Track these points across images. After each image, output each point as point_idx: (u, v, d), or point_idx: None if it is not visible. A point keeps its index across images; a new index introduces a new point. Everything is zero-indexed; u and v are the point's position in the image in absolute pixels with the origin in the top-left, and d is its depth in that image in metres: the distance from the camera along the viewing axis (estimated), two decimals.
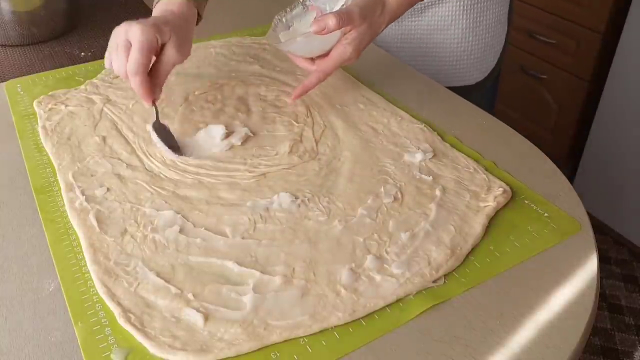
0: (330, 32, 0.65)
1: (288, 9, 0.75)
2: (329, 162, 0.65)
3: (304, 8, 0.76)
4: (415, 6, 0.89)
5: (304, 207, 0.58)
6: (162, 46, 0.65)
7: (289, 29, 0.75)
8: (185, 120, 0.72)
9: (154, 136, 0.67)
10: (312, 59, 0.72)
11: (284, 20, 0.75)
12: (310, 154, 0.66)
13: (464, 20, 0.92)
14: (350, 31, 0.68)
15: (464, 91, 0.84)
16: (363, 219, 0.56)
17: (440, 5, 0.91)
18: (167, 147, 0.65)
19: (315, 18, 0.67)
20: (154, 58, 0.65)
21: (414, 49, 0.94)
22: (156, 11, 0.71)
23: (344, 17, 0.65)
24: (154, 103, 0.66)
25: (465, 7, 0.90)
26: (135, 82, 0.62)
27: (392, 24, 0.94)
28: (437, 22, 0.93)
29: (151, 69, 0.65)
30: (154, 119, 0.68)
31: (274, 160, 0.65)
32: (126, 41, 0.62)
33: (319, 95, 0.78)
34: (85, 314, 0.47)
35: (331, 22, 0.64)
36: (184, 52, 0.67)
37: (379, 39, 0.95)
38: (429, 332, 0.46)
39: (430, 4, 0.90)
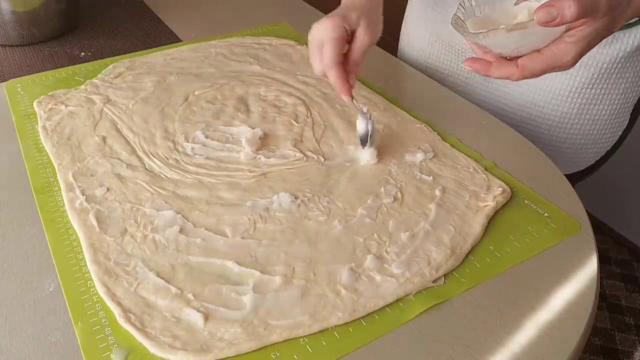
0: (564, 23, 0.48)
1: None
2: (331, 163, 0.65)
3: None
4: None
5: (304, 207, 0.58)
6: (353, 32, 0.64)
7: (475, 15, 0.57)
8: (185, 120, 0.72)
9: (360, 126, 0.65)
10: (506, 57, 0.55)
11: (468, 2, 0.57)
12: (315, 153, 0.66)
13: (569, 104, 0.75)
14: (581, 26, 0.50)
15: None
16: (363, 219, 0.56)
17: (541, 80, 0.73)
18: (361, 142, 0.65)
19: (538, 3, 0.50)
20: (346, 47, 0.64)
21: (501, 116, 0.79)
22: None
23: (588, 5, 0.47)
24: (352, 97, 0.64)
25: (575, 88, 0.73)
26: (331, 77, 0.63)
27: (482, 79, 0.81)
28: (535, 95, 0.77)
29: (346, 58, 0.64)
30: (360, 108, 0.65)
31: (275, 160, 0.65)
32: (319, 40, 0.63)
33: (319, 95, 0.78)
34: (85, 314, 0.47)
35: (570, 10, 0.46)
36: (375, 32, 0.65)
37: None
38: (429, 332, 0.46)
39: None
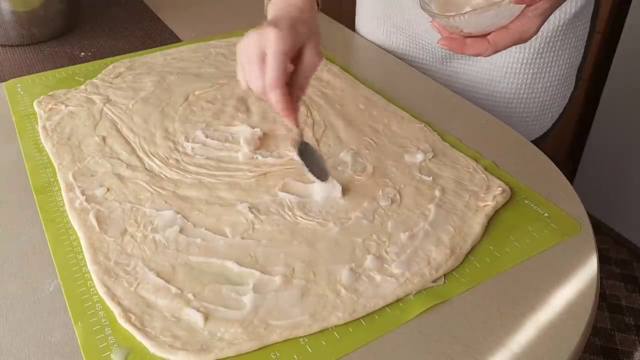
0: (538, 1, 0.52)
1: None
2: (331, 163, 0.65)
3: None
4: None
5: (298, 209, 0.58)
6: (300, 49, 0.55)
7: None
8: (185, 120, 0.72)
9: (297, 158, 0.60)
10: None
11: None
12: None
13: (522, 75, 0.80)
14: (542, 0, 0.54)
15: None
16: (359, 221, 0.56)
17: (497, 55, 0.78)
18: (312, 174, 0.58)
19: None
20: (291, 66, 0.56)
21: (462, 95, 0.84)
22: (276, 7, 0.61)
23: None
24: (296, 121, 0.57)
25: (525, 60, 0.79)
26: (274, 97, 0.53)
27: (438, 63, 0.86)
28: (490, 73, 0.82)
29: (290, 78, 0.56)
30: (299, 139, 0.60)
31: (277, 160, 0.65)
32: (260, 52, 0.53)
33: (319, 95, 0.78)
34: (85, 314, 0.47)
35: None
36: (321, 51, 0.57)
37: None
38: (429, 332, 0.46)
39: None
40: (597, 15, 0.84)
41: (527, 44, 0.78)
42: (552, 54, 0.81)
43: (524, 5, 0.53)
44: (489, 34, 0.56)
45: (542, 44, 0.80)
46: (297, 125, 0.57)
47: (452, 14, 0.55)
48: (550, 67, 0.81)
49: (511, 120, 0.83)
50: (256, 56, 0.54)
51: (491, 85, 0.83)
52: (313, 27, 0.57)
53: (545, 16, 0.55)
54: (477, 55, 0.56)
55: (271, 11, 0.61)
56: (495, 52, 0.56)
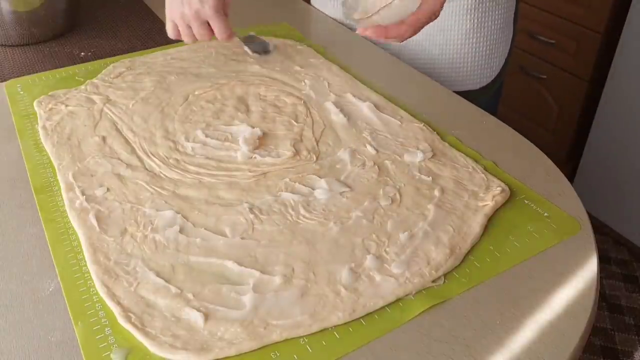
0: None
1: None
2: (329, 162, 0.65)
3: None
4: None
5: (300, 208, 0.58)
6: None
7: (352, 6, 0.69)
8: (185, 120, 0.72)
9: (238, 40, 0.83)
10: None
11: None
12: (313, 152, 0.66)
13: (467, 23, 0.89)
14: None
15: (466, 96, 0.83)
16: (359, 221, 0.56)
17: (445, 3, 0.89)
18: (250, 50, 0.81)
19: None
20: None
21: (415, 51, 0.93)
22: None
23: None
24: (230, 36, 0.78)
25: (468, 9, 0.88)
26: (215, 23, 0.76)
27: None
28: (439, 23, 0.90)
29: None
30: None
31: (275, 159, 0.65)
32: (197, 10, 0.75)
33: (319, 94, 0.78)
34: (85, 313, 0.47)
35: None
36: None
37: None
38: (429, 332, 0.46)
39: None
40: None
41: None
42: (489, 4, 0.90)
43: None
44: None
45: None
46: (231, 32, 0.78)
47: (370, 14, 0.64)
48: (492, 11, 0.90)
49: (464, 66, 0.93)
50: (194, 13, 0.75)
51: (441, 35, 0.91)
52: None
53: None
54: (398, 37, 0.65)
55: None
56: (415, 33, 0.65)
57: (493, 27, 0.92)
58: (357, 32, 0.66)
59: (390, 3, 0.63)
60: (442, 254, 0.52)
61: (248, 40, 0.86)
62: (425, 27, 0.90)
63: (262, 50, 0.84)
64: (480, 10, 0.89)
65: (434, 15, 0.65)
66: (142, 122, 0.72)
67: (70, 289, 0.50)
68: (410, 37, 0.65)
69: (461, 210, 0.58)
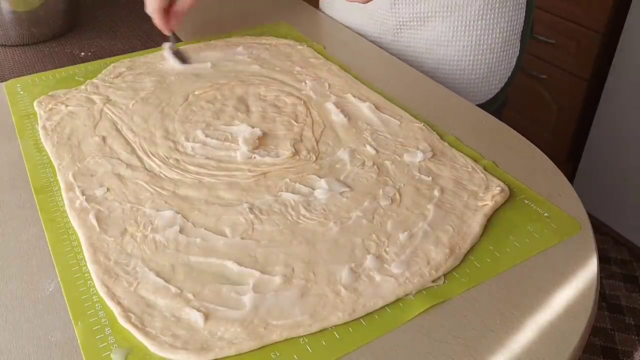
0: None
1: None
2: (329, 162, 0.65)
3: None
4: (415, 18, 0.89)
5: (300, 208, 0.58)
6: None
7: None
8: (185, 120, 0.72)
9: (166, 53, 0.87)
10: None
11: None
12: (313, 152, 0.66)
13: (465, 38, 0.88)
14: None
15: None
16: (359, 221, 0.56)
17: (441, 19, 0.87)
18: (174, 58, 0.85)
19: None
20: None
21: (413, 64, 0.91)
22: None
23: None
24: (172, 32, 0.86)
25: (466, 24, 0.87)
26: (155, 19, 0.84)
27: (390, 35, 0.94)
28: (438, 37, 0.89)
29: (169, 10, 0.84)
30: (172, 38, 0.88)
31: (275, 159, 0.65)
32: None
33: (319, 94, 0.78)
34: (85, 313, 0.47)
35: None
36: None
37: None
38: (429, 332, 0.46)
39: (430, 15, 0.88)
40: None
41: (468, 6, 0.87)
42: (493, 14, 0.87)
43: None
44: None
45: (482, 6, 0.87)
46: (170, 29, 0.86)
47: None
48: (492, 28, 0.88)
49: (462, 82, 0.91)
50: None
51: (439, 49, 0.90)
52: None
53: None
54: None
55: None
56: None
57: (493, 45, 0.89)
58: None
59: None
60: (442, 254, 0.52)
61: (175, 49, 0.89)
62: (423, 40, 0.92)
63: (182, 60, 0.86)
64: (479, 25, 0.87)
65: None
66: (142, 122, 0.72)
67: (70, 288, 0.50)
68: (366, 2, 0.71)
69: (461, 210, 0.58)
